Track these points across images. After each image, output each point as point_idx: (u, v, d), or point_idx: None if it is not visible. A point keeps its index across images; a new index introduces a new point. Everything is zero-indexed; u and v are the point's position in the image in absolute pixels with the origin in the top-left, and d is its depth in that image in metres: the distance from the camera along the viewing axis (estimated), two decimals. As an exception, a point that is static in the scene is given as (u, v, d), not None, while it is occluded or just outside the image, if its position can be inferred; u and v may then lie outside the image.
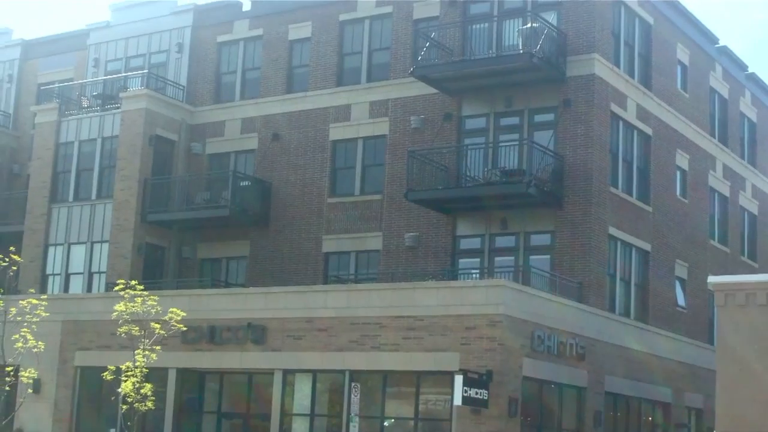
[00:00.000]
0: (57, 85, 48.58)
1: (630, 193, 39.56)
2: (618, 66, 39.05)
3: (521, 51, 36.64)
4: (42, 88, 49.82)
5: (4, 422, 35.98)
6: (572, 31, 37.70)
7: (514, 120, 38.54)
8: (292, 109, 42.91)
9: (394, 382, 33.36)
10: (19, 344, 34.75)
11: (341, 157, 41.82)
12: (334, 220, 40.96)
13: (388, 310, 32.76)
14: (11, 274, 36.06)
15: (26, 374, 35.38)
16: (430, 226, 38.84)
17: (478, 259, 38.13)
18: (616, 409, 36.86)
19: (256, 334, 35.02)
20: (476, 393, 29.79)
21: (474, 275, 37.58)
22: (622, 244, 38.86)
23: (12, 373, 35.09)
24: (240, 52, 45.29)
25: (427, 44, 38.84)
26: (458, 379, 29.53)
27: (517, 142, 37.72)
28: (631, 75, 40.14)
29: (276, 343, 34.76)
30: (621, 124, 39.26)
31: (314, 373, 34.43)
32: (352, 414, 31.27)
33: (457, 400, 29.64)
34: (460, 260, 38.48)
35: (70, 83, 48.32)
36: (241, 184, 42.76)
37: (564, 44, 37.54)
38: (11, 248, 36.81)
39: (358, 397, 31.23)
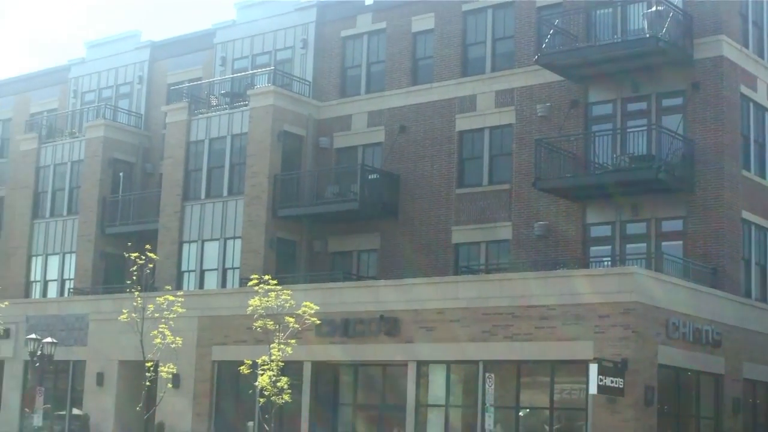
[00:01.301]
0: (186, 84, 49.34)
1: (763, 176, 38.89)
2: (746, 47, 38.37)
3: (647, 35, 36.22)
4: (171, 88, 50.65)
5: (145, 416, 36.82)
6: (698, 12, 37.14)
7: (642, 105, 38.12)
8: (417, 101, 43.00)
9: (528, 372, 33.36)
10: (158, 340, 35.51)
11: (468, 147, 41.81)
12: (463, 210, 40.98)
13: (520, 299, 32.78)
14: (148, 271, 36.89)
15: (166, 369, 36.14)
16: (559, 214, 38.65)
17: (609, 247, 37.81)
18: (755, 396, 36.33)
19: (389, 326, 35.27)
20: (611, 381, 29.63)
21: (605, 263, 37.32)
22: (756, 227, 38.22)
23: (152, 369, 35.86)
24: (364, 46, 45.54)
25: (551, 31, 38.61)
26: (593, 368, 29.41)
27: (645, 128, 37.32)
28: (761, 55, 39.42)
29: (409, 334, 34.98)
30: (751, 105, 38.60)
31: (448, 364, 34.58)
32: (487, 404, 31.25)
33: (593, 389, 29.53)
34: (591, 248, 38.21)
35: (199, 82, 49.07)
36: (370, 177, 43.01)
37: (690, 26, 37.01)
38: (147, 246, 37.62)
39: (493, 387, 31.21)
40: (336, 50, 46.01)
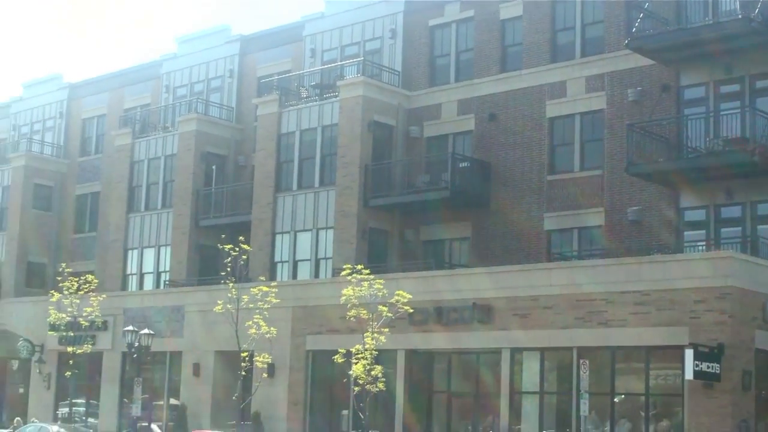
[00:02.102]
0: (276, 77, 49.68)
1: None
2: (841, 23, 37.65)
3: (739, 16, 35.72)
4: (262, 81, 51.04)
5: (242, 406, 37.27)
6: (791, -9, 36.51)
7: (735, 87, 37.56)
8: (507, 88, 42.85)
9: (623, 358, 33.17)
10: (253, 330, 35.96)
11: (559, 133, 41.57)
12: (554, 197, 40.78)
13: (614, 285, 32.58)
14: (242, 263, 37.31)
15: (261, 359, 36.58)
16: (652, 199, 38.31)
17: (703, 231, 37.38)
18: None
19: (482, 313, 35.27)
20: (708, 367, 29.38)
21: (700, 247, 36.93)
22: None
23: (247, 359, 36.33)
24: (452, 34, 45.48)
25: (641, 15, 38.21)
26: (689, 354, 29.20)
27: (738, 110, 36.81)
28: None
29: (502, 322, 34.95)
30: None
31: (542, 350, 34.50)
32: (582, 391, 31.15)
33: (689, 375, 29.33)
34: (685, 233, 37.82)
35: (289, 75, 49.39)
36: (461, 165, 42.96)
37: (783, 6, 36.40)
38: (241, 238, 38.10)
39: (587, 373, 31.08)
40: (424, 39, 46.01)
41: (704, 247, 36.73)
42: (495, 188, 42.42)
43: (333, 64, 47.49)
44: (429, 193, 42.78)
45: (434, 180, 42.90)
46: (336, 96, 45.14)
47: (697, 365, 29.10)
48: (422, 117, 45.17)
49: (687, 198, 37.79)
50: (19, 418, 48.94)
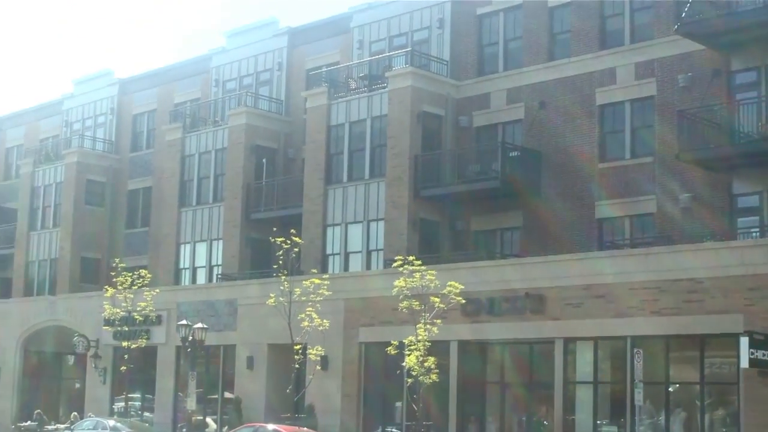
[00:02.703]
0: (324, 69, 49.70)
1: None
2: None
3: (792, -1, 35.34)
4: (310, 73, 51.11)
5: (295, 398, 37.47)
6: (844, -28, 36.06)
7: (788, 71, 37.22)
8: (556, 76, 42.61)
9: (677, 347, 32.99)
10: (305, 323, 36.14)
11: (609, 121, 41.31)
12: (605, 185, 40.49)
13: (667, 273, 32.38)
14: (293, 255, 37.47)
15: (314, 352, 36.79)
16: (704, 185, 37.97)
17: (757, 217, 37.05)
18: None
19: (534, 303, 35.17)
20: (763, 355, 29.18)
21: (754, 234, 36.60)
22: None
23: (300, 351, 36.49)
24: (500, 22, 45.27)
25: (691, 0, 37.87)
26: (743, 341, 28.99)
27: (791, 94, 36.44)
28: None
29: (555, 311, 34.84)
30: None
31: (595, 340, 34.38)
32: (636, 380, 31.00)
33: (744, 363, 29.12)
34: (739, 219, 37.49)
35: (337, 66, 49.40)
36: (511, 154, 42.78)
37: (835, -13, 35.96)
38: (292, 231, 38.25)
39: (641, 363, 30.93)
40: (472, 28, 45.85)
41: (758, 234, 36.40)
42: (546, 177, 42.22)
43: (381, 55, 47.42)
44: (479, 183, 42.67)
45: (484, 170, 42.77)
46: (385, 87, 45.10)
47: (752, 353, 28.89)
48: (471, 106, 45.03)
49: (740, 184, 37.43)
50: (75, 413, 49.43)
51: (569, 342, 34.83)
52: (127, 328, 44.96)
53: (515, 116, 43.75)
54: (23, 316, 57.07)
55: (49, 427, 47.60)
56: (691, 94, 38.43)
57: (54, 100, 67.28)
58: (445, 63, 46.02)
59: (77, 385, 55.98)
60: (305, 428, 36.10)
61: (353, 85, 47.08)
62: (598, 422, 34.28)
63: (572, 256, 36.73)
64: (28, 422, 50.90)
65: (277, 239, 37.42)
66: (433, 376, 32.70)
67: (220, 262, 51.16)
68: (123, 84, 62.21)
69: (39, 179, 62.38)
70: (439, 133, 44.87)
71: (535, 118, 42.88)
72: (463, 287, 33.44)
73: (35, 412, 51.03)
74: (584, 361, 34.99)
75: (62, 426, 46.27)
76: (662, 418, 32.69)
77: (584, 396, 34.73)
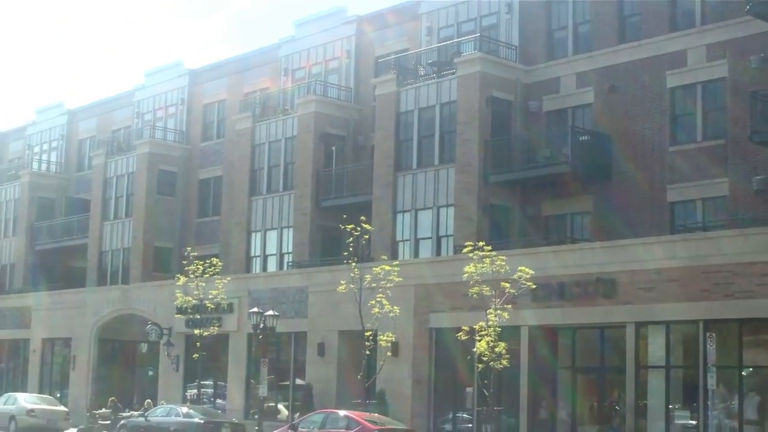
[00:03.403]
0: (393, 56, 49.64)
1: None
2: None
3: None
4: (379, 60, 51.06)
5: (366, 384, 37.53)
6: None
7: None
8: (626, 59, 42.20)
9: (751, 331, 32.60)
10: (376, 310, 36.21)
11: (680, 103, 40.85)
12: (677, 168, 40.08)
13: (740, 257, 32.02)
14: (364, 242, 37.53)
15: (384, 338, 36.82)
16: (778, 167, 37.50)
17: (832, 198, 36.55)
18: None
19: (605, 288, 34.92)
20: (839, 337, 28.75)
21: (830, 216, 36.10)
22: None
23: (371, 338, 36.56)
24: (569, 6, 44.92)
25: (763, -21, 37.34)
26: (819, 324, 28.58)
27: None
28: None
29: (626, 296, 34.56)
30: None
31: (667, 324, 34.06)
32: (709, 364, 30.66)
33: (819, 346, 28.70)
34: (814, 200, 37.00)
35: (406, 53, 49.32)
36: (581, 138, 42.48)
37: None
38: (362, 218, 38.28)
39: (714, 347, 30.58)
40: (541, 13, 45.57)
41: (834, 215, 35.89)
42: (616, 161, 41.87)
43: (450, 41, 47.29)
44: (549, 168, 42.43)
45: (554, 154, 42.51)
46: (453, 73, 44.98)
47: (828, 336, 28.51)
48: (541, 91, 44.76)
49: (815, 165, 36.90)
50: (149, 401, 49.89)
51: (641, 326, 34.53)
52: (199, 316, 45.35)
53: (585, 100, 43.41)
54: (97, 306, 57.76)
55: (124, 415, 48.08)
56: (764, 75, 37.87)
57: (125, 92, 67.97)
58: (513, 48, 45.80)
59: (150, 373, 56.55)
60: (376, 414, 36.15)
61: (422, 71, 47.00)
62: (671, 407, 34.01)
63: (644, 240, 36.40)
64: (103, 410, 51.47)
65: (347, 226, 37.48)
66: (504, 362, 32.60)
67: (290, 250, 51.37)
68: (193, 75, 62.64)
69: (111, 170, 63.03)
70: (509, 118, 44.68)
71: (605, 102, 42.54)
72: (533, 272, 33.31)
73: (109, 399, 51.57)
74: (656, 345, 34.68)
75: (136, 413, 46.69)
76: (735, 402, 32.34)
77: (656, 381, 34.43)
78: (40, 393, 55.86)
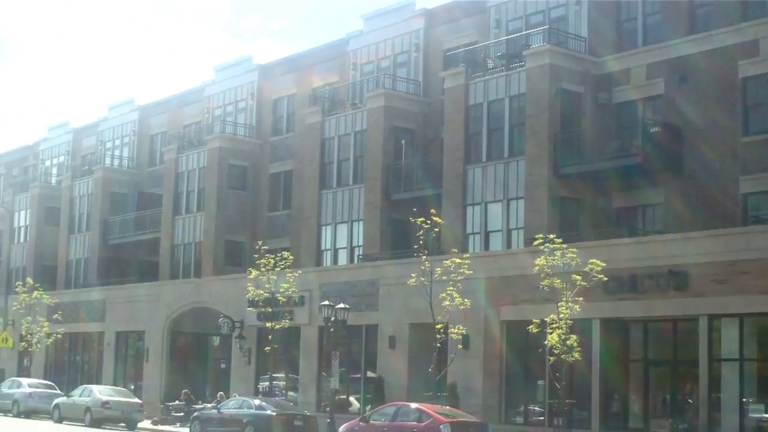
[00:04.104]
0: (461, 49, 49.59)
1: None
2: None
3: None
4: (447, 53, 51.05)
5: (437, 377, 37.64)
6: None
7: None
8: (696, 49, 41.84)
9: (827, 323, 32.31)
10: (447, 302, 36.32)
11: (752, 94, 40.42)
12: (749, 159, 39.70)
13: (815, 248, 31.71)
14: (434, 235, 37.63)
15: (455, 331, 36.94)
16: None
17: None
18: None
19: (677, 280, 34.74)
20: None
21: None
22: None
23: (442, 331, 36.68)
24: (639, -3, 44.70)
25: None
26: None
27: None
28: None
29: (699, 288, 34.35)
30: None
31: (740, 317, 33.81)
32: (784, 357, 30.45)
33: None
34: None
35: (474, 46, 49.25)
36: (651, 130, 42.25)
37: None
38: (432, 211, 38.39)
39: (789, 339, 30.38)
40: (610, 4, 45.29)
41: None
42: (687, 152, 41.55)
43: (518, 34, 47.17)
44: (620, 160, 42.19)
45: (625, 146, 42.29)
46: (523, 65, 44.88)
47: None
48: (610, 83, 44.51)
49: None
50: (222, 393, 50.38)
51: (714, 319, 34.31)
52: (270, 309, 45.69)
53: (655, 91, 43.10)
54: (170, 299, 58.38)
55: (197, 407, 48.58)
56: (839, 64, 37.43)
57: (196, 87, 68.57)
58: (583, 40, 45.61)
59: (223, 366, 57.07)
60: (447, 407, 36.25)
61: (491, 64, 46.94)
62: (744, 400, 33.77)
63: (716, 231, 36.17)
64: (176, 402, 52.03)
65: (417, 219, 37.60)
66: (576, 354, 32.59)
67: (360, 243, 51.58)
68: (262, 69, 63.00)
69: (183, 165, 63.60)
70: (579, 110, 44.51)
71: (676, 93, 42.23)
72: (605, 265, 33.22)
73: (183, 392, 52.12)
74: (730, 338, 34.43)
75: (209, 405, 47.18)
76: (812, 395, 32.09)
77: (730, 374, 34.20)
78: (114, 385, 56.54)
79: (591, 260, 32.93)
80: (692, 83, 41.79)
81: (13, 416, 53.87)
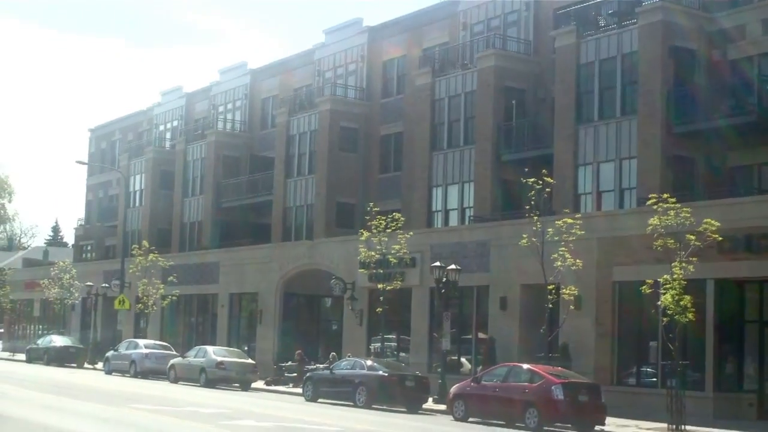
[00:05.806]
0: (572, 8, 49.03)
1: None
2: None
3: None
4: (558, 12, 50.50)
5: (549, 338, 37.47)
6: None
7: None
8: (815, 4, 40.93)
9: None
10: (558, 263, 36.08)
11: None
12: None
13: None
14: (545, 195, 37.37)
15: (567, 291, 36.69)
16: None
17: None
18: None
19: (794, 239, 34.09)
20: None
21: None
22: None
23: (553, 291, 36.47)
24: (755, -49, 43.73)
25: None
26: None
27: None
28: None
29: (817, 247, 33.67)
30: None
31: None
32: None
33: None
34: None
35: (586, 4, 48.64)
36: (767, 87, 41.37)
37: None
38: (543, 171, 38.07)
39: None
40: (726, -42, 44.43)
41: None
42: (805, 109, 40.66)
43: (631, -9, 46.48)
44: (735, 118, 41.46)
45: (740, 104, 41.53)
46: (635, 23, 44.25)
47: None
48: (725, 39, 43.66)
49: None
50: (334, 354, 50.75)
51: (831, 278, 33.67)
52: (381, 271, 45.86)
53: (771, 47, 42.20)
54: (282, 261, 58.90)
55: (309, 367, 49.01)
56: None
57: (306, 50, 68.81)
58: (699, -5, 44.83)
59: (334, 327, 57.49)
60: (560, 368, 36.05)
61: (602, 22, 46.37)
62: None
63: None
64: (289, 362, 52.55)
65: (528, 180, 37.38)
66: (689, 315, 32.14)
67: (471, 204, 51.47)
68: (372, 31, 62.99)
69: (294, 128, 64.00)
70: (692, 67, 43.78)
71: (794, 49, 41.30)
72: (719, 224, 32.67)
73: (296, 352, 52.60)
74: None
75: (321, 366, 47.56)
76: None
77: None
78: (228, 346, 57.26)
79: (705, 220, 32.39)
80: (810, 38, 40.82)
81: (131, 377, 54.92)
